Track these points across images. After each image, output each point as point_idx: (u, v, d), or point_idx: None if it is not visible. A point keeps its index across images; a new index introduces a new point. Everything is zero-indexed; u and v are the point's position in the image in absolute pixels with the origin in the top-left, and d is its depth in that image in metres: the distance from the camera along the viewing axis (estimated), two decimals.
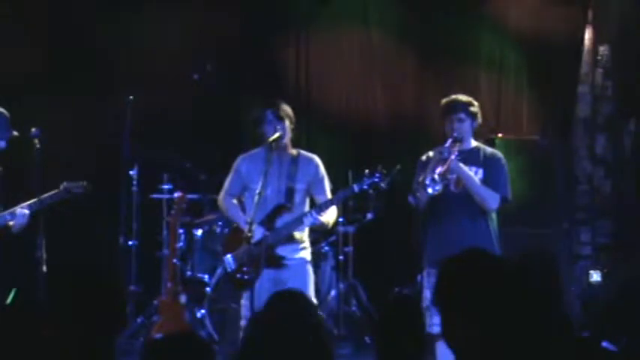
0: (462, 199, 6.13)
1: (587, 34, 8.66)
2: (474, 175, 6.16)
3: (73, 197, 6.39)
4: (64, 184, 6.38)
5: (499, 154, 6.33)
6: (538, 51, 8.81)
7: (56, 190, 6.36)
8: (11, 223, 6.23)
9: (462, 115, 6.18)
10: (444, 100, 6.31)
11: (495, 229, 6.21)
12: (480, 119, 6.30)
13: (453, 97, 6.29)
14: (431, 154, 6.24)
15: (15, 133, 6.30)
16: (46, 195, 6.31)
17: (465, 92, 6.47)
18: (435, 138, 8.03)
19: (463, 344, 2.45)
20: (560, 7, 8.70)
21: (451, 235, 6.03)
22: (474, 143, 6.32)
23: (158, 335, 6.78)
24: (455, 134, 6.13)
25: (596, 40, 8.59)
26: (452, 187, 6.15)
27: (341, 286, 7.98)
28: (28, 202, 6.25)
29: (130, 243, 7.78)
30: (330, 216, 6.35)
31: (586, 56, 8.65)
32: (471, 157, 6.22)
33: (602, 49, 8.58)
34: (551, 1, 8.73)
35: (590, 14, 8.61)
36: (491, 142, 7.30)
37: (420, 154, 6.39)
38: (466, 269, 2.49)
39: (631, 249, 8.05)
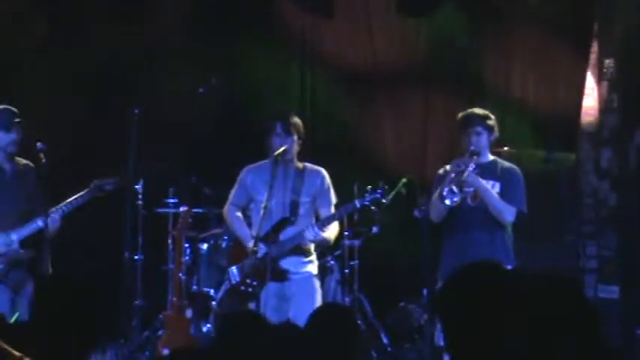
0: (478, 213, 6.13)
1: (593, 47, 8.65)
2: (491, 188, 6.15)
3: (105, 194, 6.28)
4: (95, 181, 6.27)
5: (516, 168, 6.34)
6: (543, 60, 8.83)
7: (87, 189, 6.28)
8: (47, 227, 6.06)
9: (479, 129, 6.19)
10: (460, 114, 6.32)
11: (511, 242, 6.21)
12: (496, 132, 6.31)
13: (470, 110, 6.31)
14: (448, 167, 6.23)
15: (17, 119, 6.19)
16: (77, 195, 6.21)
17: (470, 106, 6.48)
18: (438, 153, 8.06)
19: (463, 355, 2.46)
20: (566, 19, 8.71)
21: (467, 249, 6.03)
22: (490, 157, 6.33)
23: (164, 349, 6.78)
24: (472, 148, 6.14)
25: (602, 53, 8.58)
26: (469, 201, 6.14)
27: (346, 299, 7.95)
28: (58, 206, 6.15)
29: (136, 257, 7.74)
30: (331, 232, 6.34)
31: (591, 69, 8.64)
32: (488, 170, 6.22)
33: (608, 62, 8.56)
34: (556, 15, 8.75)
35: (595, 27, 8.61)
36: (497, 156, 7.28)
37: (425, 169, 6.39)
38: (467, 281, 2.49)
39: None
